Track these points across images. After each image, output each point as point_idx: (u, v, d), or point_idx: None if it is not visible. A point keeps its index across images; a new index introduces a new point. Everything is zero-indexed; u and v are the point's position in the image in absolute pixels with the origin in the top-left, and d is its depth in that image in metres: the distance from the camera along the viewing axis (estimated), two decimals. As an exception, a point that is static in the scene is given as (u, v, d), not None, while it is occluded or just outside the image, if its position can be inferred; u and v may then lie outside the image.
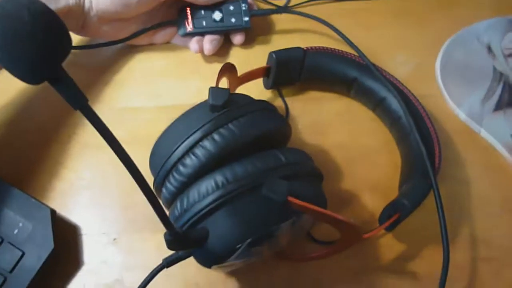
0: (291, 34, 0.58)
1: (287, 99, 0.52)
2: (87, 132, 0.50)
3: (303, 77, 0.51)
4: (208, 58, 0.55)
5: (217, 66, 0.53)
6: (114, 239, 0.44)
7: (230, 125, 0.35)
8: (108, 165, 0.48)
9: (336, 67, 0.50)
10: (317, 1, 0.61)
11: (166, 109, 0.52)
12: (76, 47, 0.53)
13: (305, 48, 0.49)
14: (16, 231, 0.40)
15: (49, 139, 0.50)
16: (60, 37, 0.21)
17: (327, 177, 0.39)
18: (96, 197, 0.47)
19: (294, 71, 0.50)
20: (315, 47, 0.50)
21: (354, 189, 0.47)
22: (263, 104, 0.39)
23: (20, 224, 0.40)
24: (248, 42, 0.56)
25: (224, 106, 0.36)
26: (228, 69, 0.43)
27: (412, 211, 0.38)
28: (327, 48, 0.50)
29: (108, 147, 0.23)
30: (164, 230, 0.29)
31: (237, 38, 0.54)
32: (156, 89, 0.53)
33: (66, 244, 0.43)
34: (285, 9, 0.53)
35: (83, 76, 0.53)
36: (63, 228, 0.44)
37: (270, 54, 0.47)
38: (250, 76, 0.48)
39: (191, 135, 0.35)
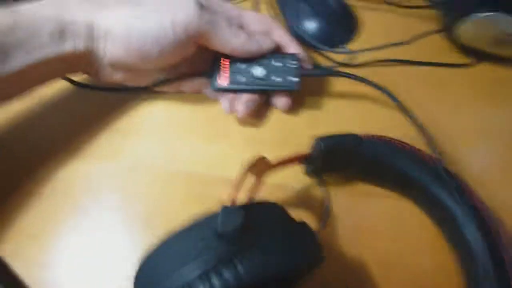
0: (347, 100, 0.47)
1: (329, 190, 0.42)
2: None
3: (353, 169, 0.40)
4: (241, 120, 0.46)
5: (250, 132, 0.45)
6: None
7: (239, 266, 0.25)
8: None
9: (397, 164, 0.39)
10: (388, 63, 0.50)
11: (179, 176, 0.42)
12: (89, 86, 0.44)
13: (361, 137, 0.38)
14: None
15: None
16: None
17: None
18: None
19: (343, 160, 0.39)
20: (374, 136, 0.39)
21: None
22: (292, 227, 0.29)
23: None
24: (292, 104, 0.45)
25: (236, 233, 0.26)
26: (258, 164, 0.33)
27: None
28: (390, 139, 0.39)
29: None
30: None
31: (281, 102, 0.44)
32: (173, 148, 0.44)
33: None
34: (341, 73, 0.43)
35: (84, 121, 0.45)
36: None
37: (317, 141, 0.37)
38: (286, 162, 0.38)
39: (189, 271, 0.25)
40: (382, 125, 0.43)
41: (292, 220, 0.31)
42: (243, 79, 0.43)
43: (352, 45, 0.52)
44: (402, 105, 0.40)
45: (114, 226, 0.40)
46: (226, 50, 0.40)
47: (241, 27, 0.42)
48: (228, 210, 0.27)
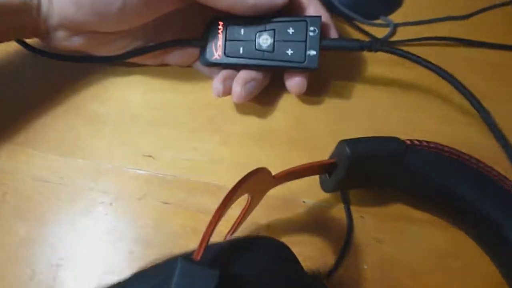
0: (386, 88, 0.36)
1: (354, 210, 0.31)
2: None
3: (389, 185, 0.29)
4: (240, 107, 0.34)
5: (250, 126, 0.33)
6: None
7: None
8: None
9: (454, 185, 0.27)
10: (439, 42, 0.38)
11: (155, 179, 0.32)
12: (45, 53, 0.34)
13: (405, 143, 0.27)
14: None
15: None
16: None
17: None
18: None
19: (376, 173, 0.28)
20: (423, 142, 0.27)
21: None
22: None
23: None
24: (310, 90, 0.33)
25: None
26: (255, 181, 0.22)
27: None
28: (446, 148, 0.28)
29: None
30: None
31: (294, 83, 0.33)
32: (148, 144, 0.33)
33: None
34: (382, 44, 0.30)
35: (39, 96, 0.35)
36: None
37: (342, 146, 0.26)
38: (297, 176, 0.27)
39: None
40: (435, 127, 0.32)
41: (301, 273, 0.20)
42: (243, 51, 0.31)
43: (395, 17, 0.40)
44: (474, 98, 0.28)
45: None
46: (221, 3, 0.29)
47: None
48: (192, 270, 0.16)
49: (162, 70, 0.36)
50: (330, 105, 0.35)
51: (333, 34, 0.32)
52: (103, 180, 0.32)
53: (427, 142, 0.27)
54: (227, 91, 0.32)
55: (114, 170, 0.32)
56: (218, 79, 0.32)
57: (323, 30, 0.31)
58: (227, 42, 0.31)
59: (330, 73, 0.36)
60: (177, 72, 0.36)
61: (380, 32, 0.38)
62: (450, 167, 0.27)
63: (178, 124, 0.34)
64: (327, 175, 0.29)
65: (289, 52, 0.31)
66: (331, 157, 0.28)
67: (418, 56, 0.29)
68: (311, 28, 0.31)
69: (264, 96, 0.34)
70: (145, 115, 0.35)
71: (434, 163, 0.28)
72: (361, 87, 0.36)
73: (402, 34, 0.39)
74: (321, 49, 0.31)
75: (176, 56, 0.34)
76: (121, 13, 0.28)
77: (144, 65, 0.36)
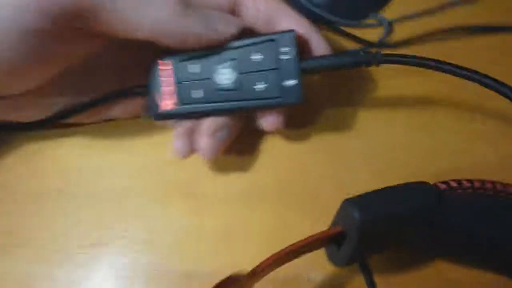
0: (391, 108, 0.28)
1: (378, 280, 0.22)
2: None
3: (420, 245, 0.21)
4: (214, 162, 0.27)
5: (227, 181, 0.26)
6: None
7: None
8: None
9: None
10: (449, 34, 0.30)
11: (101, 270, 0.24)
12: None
13: (440, 187, 0.19)
14: None
15: None
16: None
17: None
18: None
19: (401, 236, 0.20)
20: (465, 182, 0.19)
21: None
22: None
23: None
24: (295, 122, 0.26)
25: None
26: None
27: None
28: (499, 187, 0.19)
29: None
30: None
31: (266, 122, 0.25)
32: (96, 227, 0.26)
33: None
34: (384, 55, 0.22)
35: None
36: None
37: (347, 207, 0.18)
38: (286, 259, 0.19)
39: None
40: (477, 158, 0.24)
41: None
42: (203, 94, 0.23)
43: (387, 13, 0.32)
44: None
45: None
46: (143, 34, 0.21)
47: None
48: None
49: (107, 126, 0.28)
50: (324, 142, 0.27)
51: (322, 49, 0.24)
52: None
53: (468, 181, 0.19)
54: (189, 150, 0.24)
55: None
56: (177, 135, 0.24)
57: (304, 47, 0.23)
58: (179, 86, 0.24)
59: (318, 98, 0.28)
60: (127, 126, 0.28)
61: (372, 35, 0.30)
62: (501, 211, 0.19)
63: (135, 194, 0.26)
64: (335, 245, 0.21)
65: (259, 86, 0.23)
66: (335, 222, 0.20)
67: (438, 60, 0.21)
68: (283, 49, 0.22)
69: (241, 142, 0.26)
70: (91, 188, 0.27)
71: (480, 210, 0.19)
72: (361, 112, 0.28)
73: (400, 32, 0.31)
74: (304, 75, 0.23)
75: (120, 108, 0.27)
76: (10, 69, 0.20)
77: (83, 124, 0.28)
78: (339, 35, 0.31)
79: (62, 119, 0.26)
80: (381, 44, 0.30)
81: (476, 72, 0.20)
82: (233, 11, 0.24)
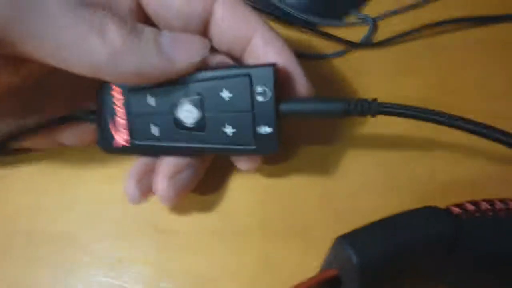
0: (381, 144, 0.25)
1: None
2: None
3: (434, 277, 0.17)
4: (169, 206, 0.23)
5: (201, 217, 0.22)
6: None
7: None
8: None
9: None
10: (435, 28, 0.27)
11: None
12: None
13: (454, 211, 0.15)
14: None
15: None
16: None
17: None
18: None
19: (411, 272, 0.16)
20: (482, 205, 0.16)
21: None
22: None
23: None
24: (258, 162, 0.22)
25: None
26: None
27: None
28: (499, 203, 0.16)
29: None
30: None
31: (242, 163, 0.22)
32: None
33: None
34: (374, 107, 0.18)
35: None
36: None
37: (341, 247, 0.14)
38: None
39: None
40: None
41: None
42: (160, 130, 0.20)
43: (370, 10, 0.29)
44: None
45: None
46: (81, 72, 0.18)
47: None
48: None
49: (62, 153, 0.25)
50: (308, 173, 0.24)
51: (303, 87, 0.20)
52: None
53: (487, 201, 0.16)
54: (147, 192, 0.21)
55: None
56: (130, 176, 0.21)
57: (284, 82, 0.19)
58: (132, 119, 0.20)
59: (299, 129, 0.25)
60: (85, 153, 0.24)
61: (355, 34, 0.27)
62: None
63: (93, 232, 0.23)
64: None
65: (228, 131, 0.19)
66: (327, 263, 0.16)
67: (449, 115, 0.18)
68: (259, 89, 0.18)
69: (213, 174, 0.23)
70: (47, 229, 0.23)
71: (499, 232, 0.16)
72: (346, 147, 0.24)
73: (385, 29, 0.27)
74: (280, 119, 0.19)
75: (71, 135, 0.23)
76: None
77: (33, 150, 0.24)
78: (318, 36, 0.27)
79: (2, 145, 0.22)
80: (366, 43, 0.26)
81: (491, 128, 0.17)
82: (202, 31, 0.20)
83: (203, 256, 0.22)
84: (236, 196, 0.23)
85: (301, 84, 0.20)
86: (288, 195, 0.23)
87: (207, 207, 0.23)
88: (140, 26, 0.18)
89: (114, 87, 0.19)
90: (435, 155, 0.23)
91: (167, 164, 0.20)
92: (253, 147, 0.19)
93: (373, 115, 0.18)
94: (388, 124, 0.24)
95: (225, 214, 0.23)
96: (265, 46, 0.19)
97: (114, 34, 0.17)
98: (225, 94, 0.18)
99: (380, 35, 0.27)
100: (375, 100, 0.18)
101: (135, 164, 0.21)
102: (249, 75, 0.18)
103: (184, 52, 0.18)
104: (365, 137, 0.24)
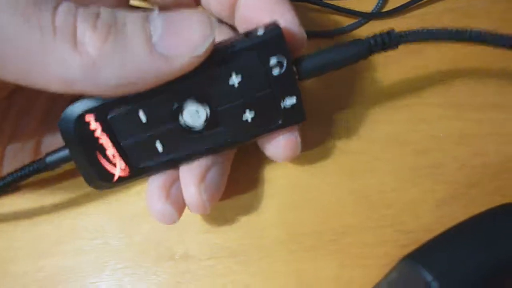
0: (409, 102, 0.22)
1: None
2: None
3: None
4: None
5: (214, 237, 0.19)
6: None
7: None
8: None
9: None
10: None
11: None
12: None
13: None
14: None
15: None
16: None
17: None
18: None
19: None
20: None
21: None
22: None
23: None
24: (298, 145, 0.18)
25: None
26: None
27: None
28: None
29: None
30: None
31: (280, 149, 0.18)
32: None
33: None
34: (393, 36, 0.16)
35: None
36: None
37: (412, 271, 0.12)
38: None
39: None
40: None
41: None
42: (161, 148, 0.16)
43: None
44: None
45: None
46: (41, 85, 0.14)
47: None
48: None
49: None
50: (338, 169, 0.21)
51: (300, 41, 0.17)
52: None
53: None
54: (181, 206, 0.17)
55: None
56: (152, 196, 0.17)
57: (291, 42, 0.16)
58: (124, 144, 0.16)
59: (320, 100, 0.22)
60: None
61: (364, 5, 0.24)
62: None
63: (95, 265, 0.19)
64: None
65: (248, 117, 0.16)
66: (390, 284, 0.13)
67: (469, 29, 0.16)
68: (273, 60, 0.15)
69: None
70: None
71: None
72: (376, 114, 0.21)
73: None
74: (303, 81, 0.16)
75: None
76: None
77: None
78: (324, 11, 0.24)
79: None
80: (377, 14, 0.23)
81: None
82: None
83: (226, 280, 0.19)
84: (255, 206, 0.20)
85: (298, 33, 0.16)
86: (314, 198, 0.20)
87: (224, 224, 0.20)
88: (122, 15, 0.14)
89: (86, 115, 0.15)
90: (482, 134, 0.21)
91: (190, 170, 0.17)
92: (279, 122, 0.16)
93: (396, 46, 0.16)
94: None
95: (246, 229, 0.20)
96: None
97: (87, 38, 0.13)
98: (234, 79, 0.15)
99: (391, 4, 0.24)
100: (392, 30, 0.16)
101: (153, 178, 0.17)
102: (256, 48, 0.15)
103: (183, 42, 0.14)
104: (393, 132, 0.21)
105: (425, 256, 0.12)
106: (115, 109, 0.15)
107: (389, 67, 0.22)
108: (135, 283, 0.20)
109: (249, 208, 0.20)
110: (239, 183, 0.20)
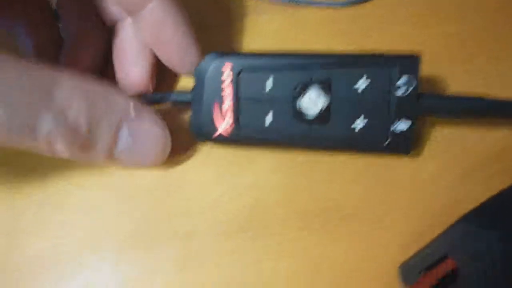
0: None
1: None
2: None
3: None
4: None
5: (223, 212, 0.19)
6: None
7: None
8: None
9: None
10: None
11: None
12: None
13: None
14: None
15: None
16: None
17: None
18: None
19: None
20: None
21: None
22: None
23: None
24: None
25: None
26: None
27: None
28: None
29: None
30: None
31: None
32: None
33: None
34: None
35: None
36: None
37: (467, 232, 0.12)
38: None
39: None
40: None
41: None
42: (272, 120, 0.18)
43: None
44: None
45: None
46: None
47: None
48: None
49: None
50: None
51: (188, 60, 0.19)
52: None
53: None
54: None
55: None
56: None
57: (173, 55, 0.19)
58: (241, 103, 0.18)
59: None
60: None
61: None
62: None
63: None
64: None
65: (357, 125, 0.17)
66: (437, 252, 0.13)
67: None
68: (401, 81, 0.17)
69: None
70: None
71: None
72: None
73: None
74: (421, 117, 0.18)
75: None
76: None
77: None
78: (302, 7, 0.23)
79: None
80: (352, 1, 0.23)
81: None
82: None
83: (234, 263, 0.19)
84: (261, 181, 0.20)
85: (192, 56, 0.18)
86: (325, 172, 0.20)
87: (231, 201, 0.20)
88: (95, 137, 0.16)
89: (225, 63, 0.17)
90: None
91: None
92: (383, 145, 0.17)
93: None
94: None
95: (252, 207, 0.19)
96: (164, 15, 0.18)
97: (62, 148, 0.15)
98: (361, 83, 0.17)
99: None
100: None
101: None
102: (392, 65, 0.16)
103: (143, 157, 0.17)
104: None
105: (481, 216, 0.12)
106: (249, 68, 0.17)
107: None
108: (136, 262, 0.19)
109: (257, 186, 0.20)
110: (249, 159, 0.20)
